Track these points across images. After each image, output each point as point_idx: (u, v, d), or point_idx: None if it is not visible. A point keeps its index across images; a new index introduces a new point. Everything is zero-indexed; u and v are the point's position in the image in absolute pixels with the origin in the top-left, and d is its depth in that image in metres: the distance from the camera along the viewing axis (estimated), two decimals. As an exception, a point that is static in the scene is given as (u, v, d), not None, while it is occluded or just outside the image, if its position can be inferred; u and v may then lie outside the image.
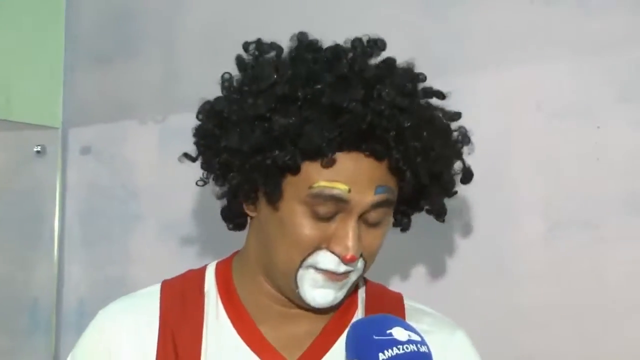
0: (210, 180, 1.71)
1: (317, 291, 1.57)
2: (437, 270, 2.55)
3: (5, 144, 3.07)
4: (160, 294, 1.71)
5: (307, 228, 1.52)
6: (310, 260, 1.54)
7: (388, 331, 1.44)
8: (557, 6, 2.37)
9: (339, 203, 1.50)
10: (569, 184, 2.36)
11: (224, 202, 1.75)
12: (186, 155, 1.75)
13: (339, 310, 1.70)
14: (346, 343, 1.50)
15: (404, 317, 1.69)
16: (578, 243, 2.34)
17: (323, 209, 1.51)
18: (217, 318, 1.67)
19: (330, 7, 2.64)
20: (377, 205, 1.54)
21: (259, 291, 1.66)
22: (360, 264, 1.58)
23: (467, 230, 2.52)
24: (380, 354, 1.40)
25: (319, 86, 1.51)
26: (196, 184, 1.74)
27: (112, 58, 3.11)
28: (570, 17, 2.38)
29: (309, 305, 1.58)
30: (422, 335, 1.48)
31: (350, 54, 1.59)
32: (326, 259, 1.53)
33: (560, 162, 2.36)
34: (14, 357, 3.07)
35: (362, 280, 1.75)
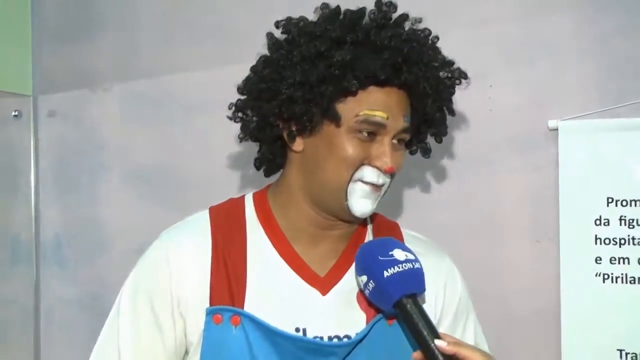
0: (249, 134, 1.76)
1: (361, 201, 1.63)
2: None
3: (-12, 111, 3.12)
4: (210, 218, 1.74)
5: (352, 148, 1.60)
6: (357, 175, 1.62)
7: (390, 252, 1.57)
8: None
9: (379, 127, 1.61)
10: (464, 130, 2.55)
11: (263, 150, 1.79)
12: (234, 113, 1.77)
13: (354, 234, 1.78)
14: (356, 262, 1.64)
15: (403, 241, 1.74)
16: (477, 175, 2.55)
17: (365, 132, 1.60)
18: (258, 238, 1.71)
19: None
20: (404, 131, 1.65)
21: (298, 216, 1.71)
22: (389, 179, 1.67)
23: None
24: (385, 272, 1.53)
25: (363, 31, 1.64)
26: (238, 136, 1.78)
27: (73, 36, 3.10)
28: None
29: (353, 214, 1.66)
30: (417, 256, 1.61)
31: (376, 10, 1.69)
32: (369, 172, 1.62)
33: (461, 114, 2.52)
34: (1, 284, 3.07)
35: None
